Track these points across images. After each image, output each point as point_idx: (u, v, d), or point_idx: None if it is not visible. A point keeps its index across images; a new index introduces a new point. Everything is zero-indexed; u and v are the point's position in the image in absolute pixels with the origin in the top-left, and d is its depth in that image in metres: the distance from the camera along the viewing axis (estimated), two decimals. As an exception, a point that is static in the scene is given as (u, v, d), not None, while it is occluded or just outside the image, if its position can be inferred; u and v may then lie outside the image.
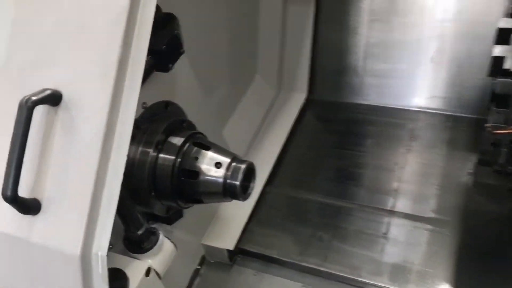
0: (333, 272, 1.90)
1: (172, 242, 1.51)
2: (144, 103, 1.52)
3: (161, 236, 1.46)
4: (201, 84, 1.93)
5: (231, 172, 1.50)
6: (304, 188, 2.24)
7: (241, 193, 1.52)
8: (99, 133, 1.08)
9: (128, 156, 1.45)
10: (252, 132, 2.37)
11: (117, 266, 1.39)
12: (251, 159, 2.32)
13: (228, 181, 1.50)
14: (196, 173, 1.52)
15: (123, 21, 1.09)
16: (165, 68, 1.39)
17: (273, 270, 1.99)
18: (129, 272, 1.38)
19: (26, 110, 1.06)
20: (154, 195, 1.53)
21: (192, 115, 1.81)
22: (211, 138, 1.96)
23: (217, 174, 1.51)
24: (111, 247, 1.43)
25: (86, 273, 1.10)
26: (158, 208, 1.59)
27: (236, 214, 2.10)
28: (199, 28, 1.98)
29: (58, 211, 1.11)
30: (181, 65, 1.71)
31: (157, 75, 1.56)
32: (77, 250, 1.08)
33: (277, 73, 2.57)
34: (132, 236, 1.40)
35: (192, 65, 1.80)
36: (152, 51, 1.33)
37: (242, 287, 1.95)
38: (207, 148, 1.55)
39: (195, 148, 1.54)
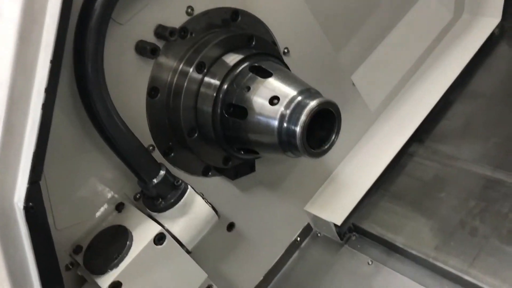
0: (481, 285, 1.22)
1: (209, 203, 1.09)
2: (189, 7, 1.09)
3: (189, 193, 1.05)
4: None
5: (291, 111, 0.99)
6: (464, 154, 1.52)
7: (305, 145, 1.00)
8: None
9: (161, 78, 1.09)
10: (404, 69, 1.72)
11: (126, 224, 1.05)
12: (398, 105, 1.73)
13: (285, 125, 0.99)
14: (243, 110, 1.05)
15: None
16: None
17: (395, 263, 1.40)
18: (136, 235, 1.03)
19: None
20: (198, 136, 1.13)
21: (294, 40, 1.32)
22: (325, 79, 1.46)
23: (271, 113, 1.01)
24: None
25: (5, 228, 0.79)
26: (209, 155, 1.18)
27: (358, 179, 1.55)
28: None
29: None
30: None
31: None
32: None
33: (457, -11, 1.81)
34: (145, 188, 1.04)
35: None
36: None
37: (349, 275, 1.43)
38: (267, 75, 1.06)
39: (250, 74, 1.06)
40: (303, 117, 0.97)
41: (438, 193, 1.46)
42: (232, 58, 1.08)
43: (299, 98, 1.00)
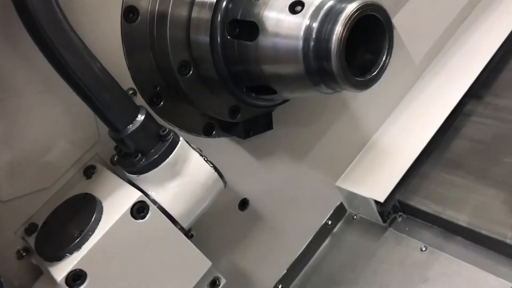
0: None
1: (210, 162, 0.79)
2: None
3: (181, 146, 0.75)
4: None
5: (320, 21, 0.69)
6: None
7: (344, 69, 0.70)
8: None
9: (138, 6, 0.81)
10: (454, 13, 1.39)
11: (95, 192, 0.76)
12: (448, 56, 1.39)
13: (313, 42, 0.69)
14: (252, 26, 0.75)
15: None
16: None
17: (456, 248, 1.08)
18: (108, 206, 0.73)
19: None
20: (194, 74, 0.84)
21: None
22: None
23: (291, 27, 0.71)
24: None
25: None
26: (210, 103, 0.88)
27: (402, 146, 1.23)
28: None
29: None
30: None
31: None
32: None
33: None
34: (117, 139, 0.75)
35: None
36: None
37: (397, 265, 1.12)
38: (284, -22, 0.75)
39: (260, -22, 0.76)
40: (338, 28, 0.67)
41: (507, 157, 1.14)
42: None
43: (331, 2, 0.69)
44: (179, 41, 0.81)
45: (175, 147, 0.74)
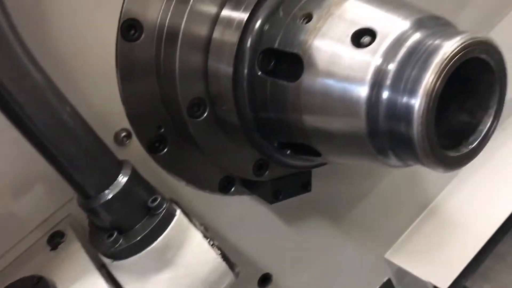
0: None
1: (218, 248, 0.55)
2: None
3: (177, 223, 0.52)
4: None
5: (400, 62, 0.45)
6: None
7: (432, 142, 0.46)
8: None
9: (146, 5, 0.59)
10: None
11: (53, 274, 0.54)
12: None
13: (387, 92, 0.46)
14: (295, 61, 0.52)
15: None
16: None
17: None
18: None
19: None
20: (209, 116, 0.61)
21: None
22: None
23: (352, 66, 0.48)
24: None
25: None
26: (229, 155, 0.65)
27: (472, 217, 0.97)
28: None
29: None
30: None
31: None
32: None
33: None
34: (88, 209, 0.52)
35: None
36: None
37: None
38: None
39: (312, -8, 0.53)
40: (429, 76, 0.43)
41: None
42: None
43: (418, 35, 0.45)
44: (192, 70, 0.59)
45: (169, 224, 0.51)
